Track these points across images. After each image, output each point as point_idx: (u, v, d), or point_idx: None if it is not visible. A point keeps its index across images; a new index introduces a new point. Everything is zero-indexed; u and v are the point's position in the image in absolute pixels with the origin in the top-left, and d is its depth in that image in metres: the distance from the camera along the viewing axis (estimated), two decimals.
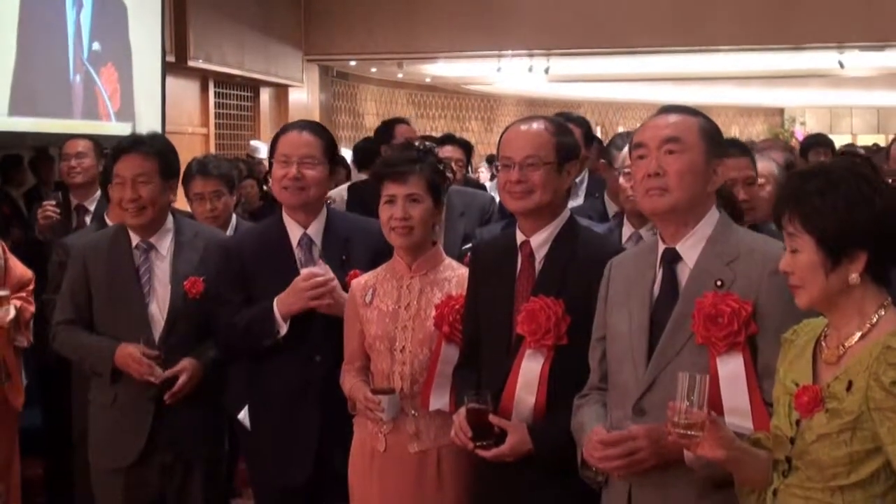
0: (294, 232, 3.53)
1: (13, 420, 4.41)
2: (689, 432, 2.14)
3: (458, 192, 4.90)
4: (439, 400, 3.11)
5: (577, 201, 4.72)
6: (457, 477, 3.14)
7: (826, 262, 2.09)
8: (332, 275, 3.39)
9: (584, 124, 5.17)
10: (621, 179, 4.03)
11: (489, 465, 2.88)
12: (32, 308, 4.43)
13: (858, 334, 2.10)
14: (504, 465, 2.84)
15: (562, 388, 2.78)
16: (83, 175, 5.36)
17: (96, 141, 5.50)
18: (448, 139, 6.10)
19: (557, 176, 2.93)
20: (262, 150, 10.93)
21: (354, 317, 3.28)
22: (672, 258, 2.56)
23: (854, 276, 2.08)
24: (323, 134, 3.57)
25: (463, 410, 2.85)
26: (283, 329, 3.41)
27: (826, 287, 2.10)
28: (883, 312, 2.10)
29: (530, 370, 2.82)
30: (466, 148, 6.36)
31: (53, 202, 5.33)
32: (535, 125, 2.98)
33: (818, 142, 7.33)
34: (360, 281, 3.31)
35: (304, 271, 3.40)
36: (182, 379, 3.55)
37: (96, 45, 8.59)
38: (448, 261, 3.31)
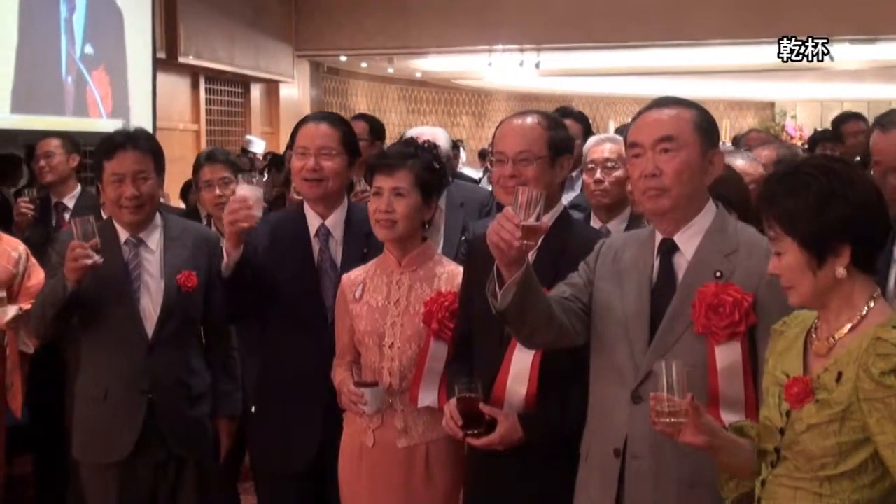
0: (313, 223, 3.53)
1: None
2: (672, 420, 2.16)
3: (457, 185, 4.94)
4: (427, 397, 3.11)
5: (573, 193, 4.74)
6: (445, 472, 3.16)
7: (811, 262, 2.09)
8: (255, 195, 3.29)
9: (584, 120, 5.21)
10: (584, 176, 4.05)
11: (478, 457, 2.90)
12: None
13: (849, 326, 2.11)
14: (492, 456, 2.84)
15: (552, 380, 2.79)
16: (52, 174, 5.38)
17: (68, 137, 5.50)
18: None
19: (550, 170, 2.95)
20: (255, 143, 10.95)
21: (344, 312, 3.28)
22: (670, 249, 2.56)
23: (841, 271, 2.09)
24: (341, 125, 3.57)
25: (454, 399, 2.85)
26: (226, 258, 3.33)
27: (815, 285, 2.11)
28: (872, 304, 2.11)
29: (521, 361, 2.83)
30: (452, 146, 6.46)
31: (27, 199, 5.32)
32: (529, 119, 2.99)
33: (826, 137, 7.39)
34: (351, 276, 3.31)
35: (237, 189, 3.35)
36: (225, 442, 3.79)
37: (89, 47, 8.58)
38: (439, 257, 3.31)
